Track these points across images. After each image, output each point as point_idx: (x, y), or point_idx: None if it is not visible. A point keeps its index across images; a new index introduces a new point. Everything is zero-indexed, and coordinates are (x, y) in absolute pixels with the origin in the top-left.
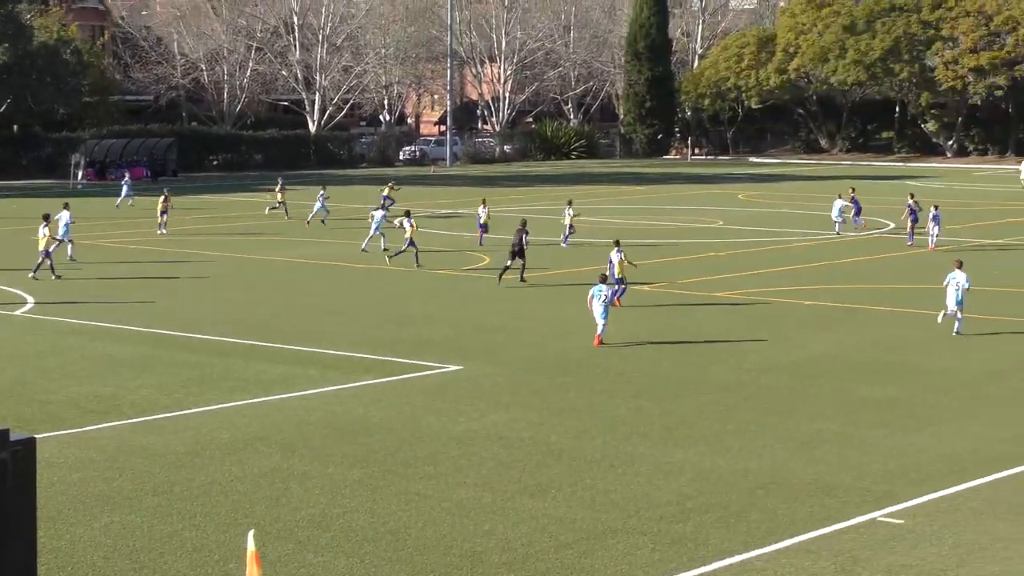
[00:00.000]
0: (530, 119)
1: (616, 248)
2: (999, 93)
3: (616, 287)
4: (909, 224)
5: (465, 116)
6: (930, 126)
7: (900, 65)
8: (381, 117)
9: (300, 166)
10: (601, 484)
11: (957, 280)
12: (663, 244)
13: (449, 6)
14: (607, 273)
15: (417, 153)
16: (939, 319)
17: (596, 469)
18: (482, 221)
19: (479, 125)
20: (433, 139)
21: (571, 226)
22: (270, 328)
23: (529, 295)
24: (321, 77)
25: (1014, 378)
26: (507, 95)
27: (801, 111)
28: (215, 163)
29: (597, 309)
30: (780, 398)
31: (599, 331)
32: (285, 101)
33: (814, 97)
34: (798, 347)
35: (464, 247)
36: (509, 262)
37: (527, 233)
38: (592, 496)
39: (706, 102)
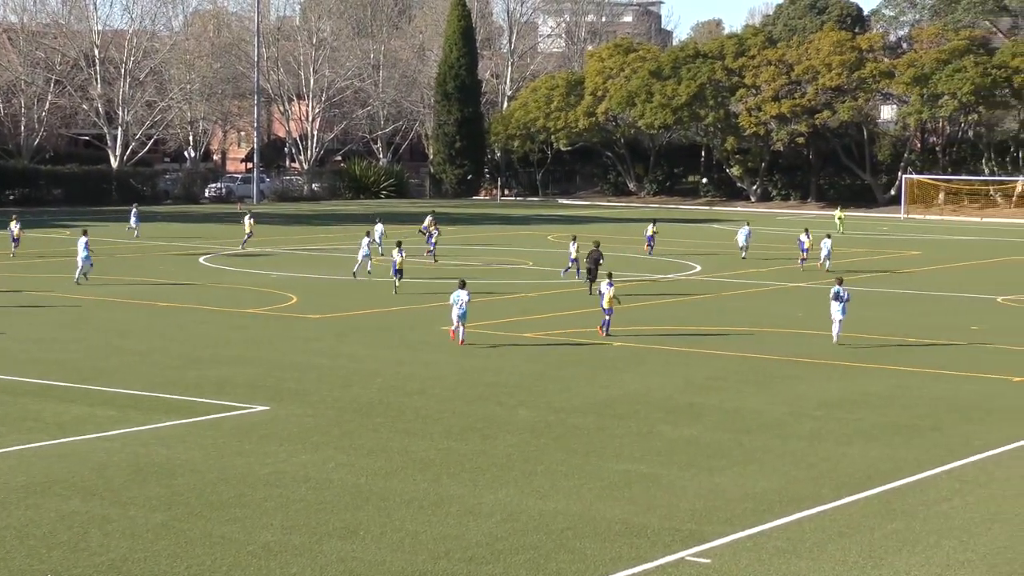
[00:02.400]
0: (339, 157)
1: (608, 281)
2: (800, 140)
3: (605, 316)
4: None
5: (273, 153)
6: (735, 171)
7: (705, 110)
8: (186, 153)
9: (102, 202)
10: (411, 526)
11: (841, 293)
12: (473, 284)
13: (256, 43)
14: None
15: (223, 190)
16: (835, 339)
17: (406, 510)
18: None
19: (287, 163)
20: (240, 176)
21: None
22: (67, 367)
23: (345, 333)
24: (124, 112)
25: (814, 418)
26: (315, 133)
27: (609, 154)
28: (11, 198)
29: (455, 311)
30: (589, 439)
31: (454, 328)
32: (86, 136)
33: (622, 140)
34: (606, 387)
35: (272, 286)
36: (588, 278)
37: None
38: (401, 538)
39: (516, 143)
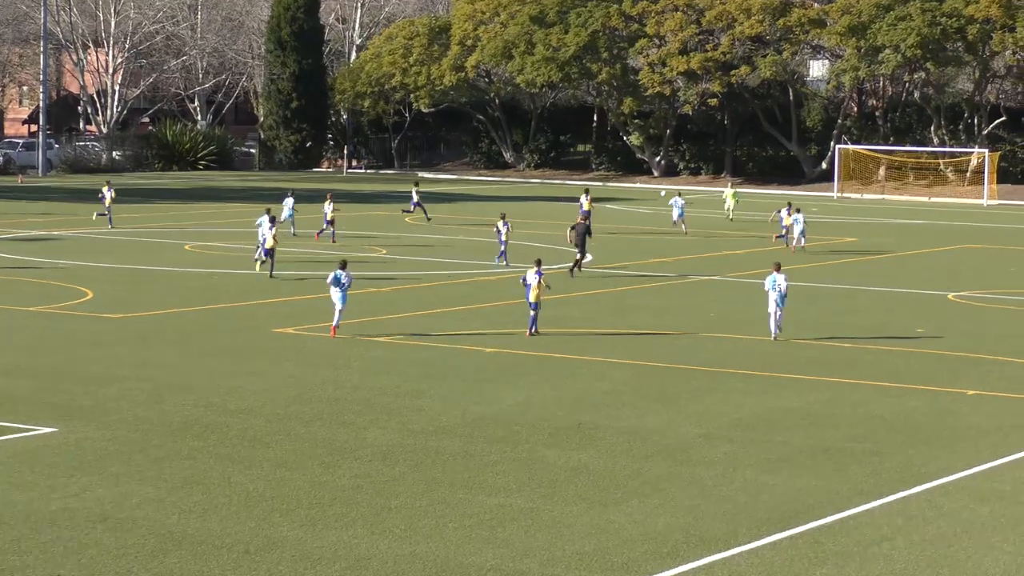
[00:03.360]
0: (146, 119)
1: (536, 269)
2: (713, 103)
3: (531, 312)
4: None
5: (64, 114)
6: (634, 139)
7: (598, 65)
8: None
9: None
10: (232, 575)
11: (777, 282)
12: (312, 277)
13: None
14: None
15: (0, 159)
16: (773, 338)
17: (226, 556)
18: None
19: (81, 125)
20: (21, 142)
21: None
22: None
23: (153, 337)
24: None
25: (729, 441)
26: (117, 88)
27: (481, 118)
28: None
29: (335, 294)
30: (455, 466)
31: (339, 308)
32: None
33: (497, 101)
34: (478, 403)
35: (62, 278)
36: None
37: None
38: None
39: (366, 103)
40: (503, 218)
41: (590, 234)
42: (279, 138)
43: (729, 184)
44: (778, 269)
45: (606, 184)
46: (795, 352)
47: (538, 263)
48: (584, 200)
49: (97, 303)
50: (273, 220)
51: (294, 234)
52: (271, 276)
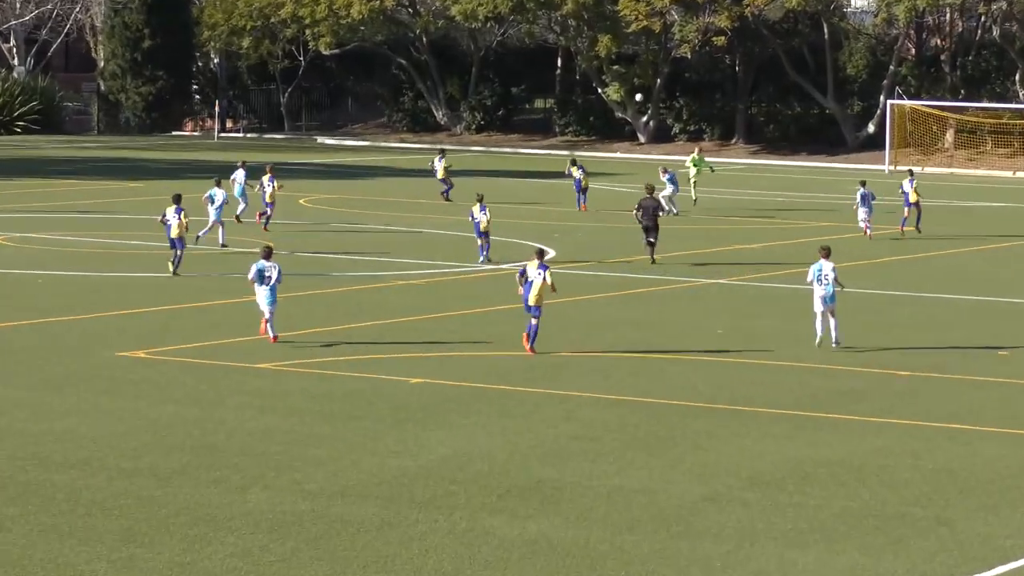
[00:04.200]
0: None
1: (539, 262)
2: (719, 42)
3: (531, 319)
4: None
5: None
6: (612, 92)
7: None
8: None
9: None
10: None
11: (824, 272)
12: (164, 281)
13: None
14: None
15: None
16: (817, 342)
17: None
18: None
19: None
20: None
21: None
22: None
23: None
24: None
25: (743, 504)
26: None
27: (403, 63)
28: None
29: (261, 293)
30: (368, 541)
31: (266, 317)
32: None
33: (425, 40)
34: (399, 453)
35: None
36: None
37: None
38: None
39: (245, 43)
40: (480, 201)
41: (662, 210)
42: (125, 90)
43: (697, 150)
44: (826, 255)
45: (573, 152)
46: (834, 381)
47: (540, 255)
48: (575, 170)
49: None
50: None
51: (238, 219)
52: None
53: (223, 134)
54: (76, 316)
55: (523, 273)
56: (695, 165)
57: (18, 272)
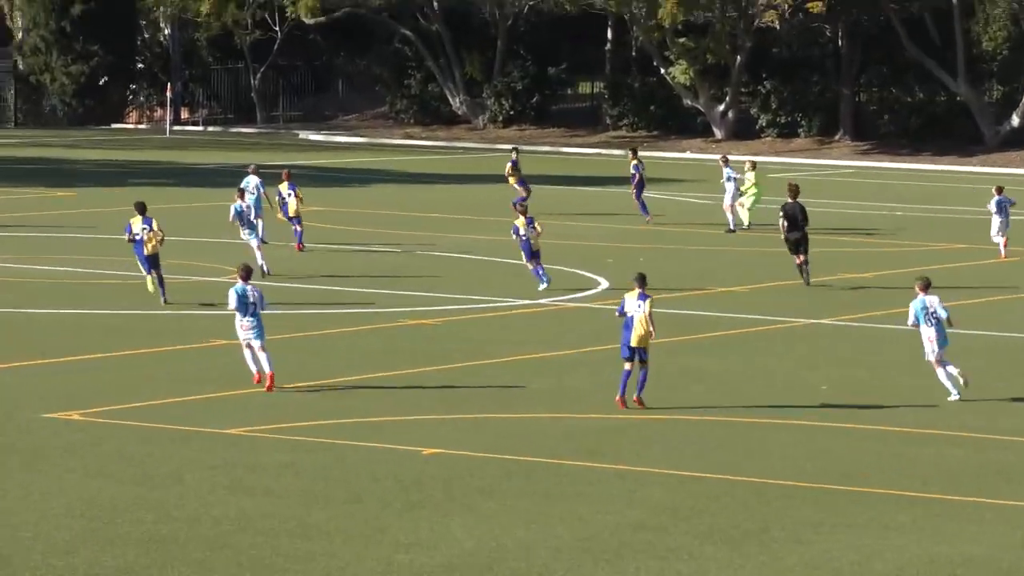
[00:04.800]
0: None
1: (639, 291)
2: (815, 8)
3: (629, 365)
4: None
5: None
6: (678, 74)
7: None
8: None
9: None
10: None
11: (930, 309)
12: (105, 320)
13: None
14: None
15: None
16: (953, 395)
17: None
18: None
19: None
20: None
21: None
22: None
23: None
24: None
25: None
26: None
27: (409, 34)
28: None
29: (244, 325)
30: None
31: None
32: None
33: (436, 6)
34: (411, 546)
35: None
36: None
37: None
38: None
39: (204, 8)
40: (524, 212)
41: (806, 220)
42: (50, 69)
43: (748, 166)
44: (925, 289)
45: (625, 152)
46: (974, 453)
47: (642, 281)
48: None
49: None
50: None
51: (261, 239)
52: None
53: (177, 127)
54: None
55: (622, 309)
56: (754, 190)
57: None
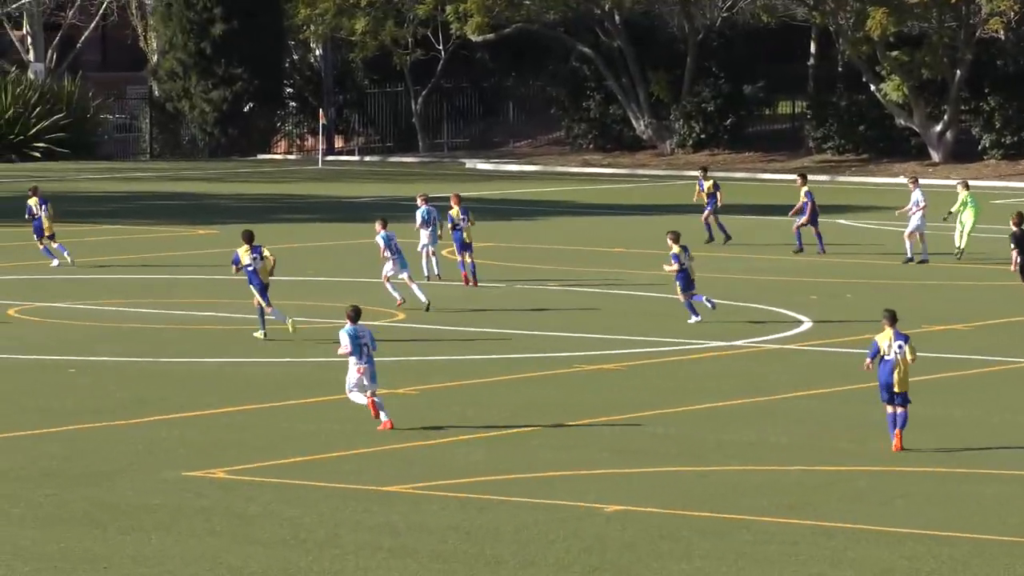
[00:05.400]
0: None
1: (893, 331)
2: None
3: (895, 408)
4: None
5: None
6: (890, 90)
7: None
8: None
9: None
10: None
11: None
12: (249, 370)
13: None
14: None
15: None
16: None
17: None
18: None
19: None
20: None
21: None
22: None
23: None
24: None
25: None
26: None
27: (587, 51)
28: None
29: (357, 370)
30: None
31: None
32: None
33: (617, 20)
34: None
35: None
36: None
37: None
38: None
39: (359, 26)
40: (676, 239)
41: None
42: (189, 96)
43: (961, 185)
44: (892, 322)
45: (835, 179)
46: None
47: (892, 319)
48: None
49: None
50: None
51: (436, 275)
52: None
53: (330, 157)
54: (122, 420)
55: (875, 351)
56: (971, 209)
57: (38, 359)
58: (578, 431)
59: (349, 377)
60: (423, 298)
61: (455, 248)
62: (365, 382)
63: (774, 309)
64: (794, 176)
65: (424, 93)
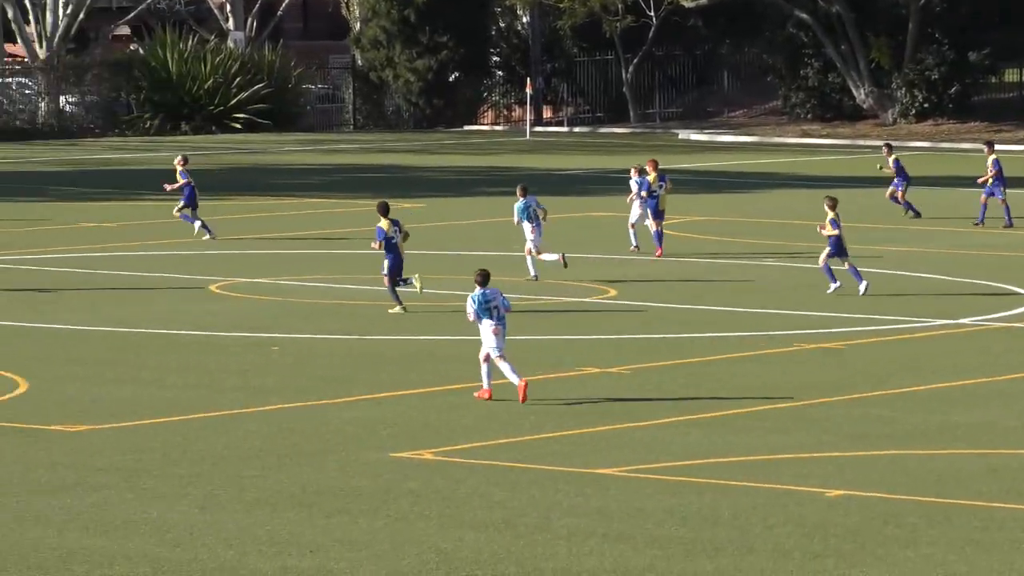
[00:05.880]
0: (123, 31)
1: None
2: None
3: None
4: None
5: None
6: None
7: None
8: None
9: None
10: None
11: None
12: (465, 347)
13: None
14: None
15: None
16: None
17: None
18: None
19: None
20: None
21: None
22: None
23: (143, 474)
24: None
25: None
26: None
27: (805, 17)
28: None
29: (490, 339)
30: None
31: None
32: None
33: None
34: None
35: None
36: None
37: None
38: None
39: None
40: (833, 206)
41: None
42: (393, 65)
43: None
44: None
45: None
46: None
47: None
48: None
49: (32, 403)
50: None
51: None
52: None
53: (538, 128)
54: (327, 400)
55: None
56: None
57: (240, 336)
58: (798, 412)
59: (486, 339)
60: (533, 272)
61: (649, 216)
62: (495, 344)
63: (997, 284)
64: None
65: (635, 61)
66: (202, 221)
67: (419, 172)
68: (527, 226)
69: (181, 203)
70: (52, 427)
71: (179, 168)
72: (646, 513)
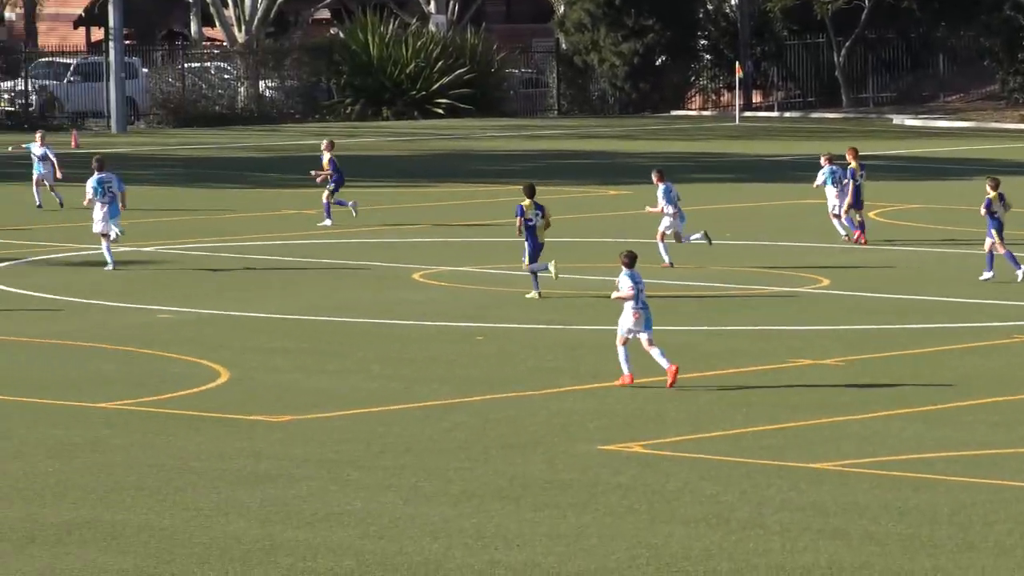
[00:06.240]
0: (322, 15)
1: None
2: None
3: None
4: None
5: (156, 7)
6: None
7: None
8: None
9: None
10: None
11: None
12: (679, 339)
13: None
14: None
15: (33, 99)
16: None
17: None
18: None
19: (192, 30)
20: (73, 63)
21: None
22: None
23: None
24: None
25: None
26: None
27: None
28: None
29: (629, 321)
30: None
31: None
32: None
33: None
34: None
35: (185, 343)
36: None
37: None
38: None
39: None
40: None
41: None
42: (598, 49)
43: None
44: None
45: None
46: None
47: None
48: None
49: (233, 393)
50: None
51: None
52: None
53: (748, 113)
54: (533, 391)
55: None
56: None
57: (444, 326)
58: (1020, 406)
59: (624, 321)
60: (667, 259)
61: (846, 204)
62: (640, 328)
63: None
64: None
65: (847, 44)
66: (330, 205)
67: (625, 159)
68: (670, 210)
69: (331, 187)
70: (253, 417)
71: (327, 154)
72: (862, 508)
